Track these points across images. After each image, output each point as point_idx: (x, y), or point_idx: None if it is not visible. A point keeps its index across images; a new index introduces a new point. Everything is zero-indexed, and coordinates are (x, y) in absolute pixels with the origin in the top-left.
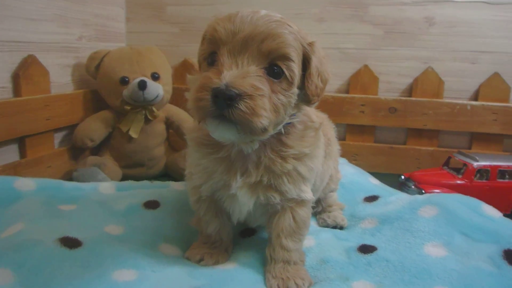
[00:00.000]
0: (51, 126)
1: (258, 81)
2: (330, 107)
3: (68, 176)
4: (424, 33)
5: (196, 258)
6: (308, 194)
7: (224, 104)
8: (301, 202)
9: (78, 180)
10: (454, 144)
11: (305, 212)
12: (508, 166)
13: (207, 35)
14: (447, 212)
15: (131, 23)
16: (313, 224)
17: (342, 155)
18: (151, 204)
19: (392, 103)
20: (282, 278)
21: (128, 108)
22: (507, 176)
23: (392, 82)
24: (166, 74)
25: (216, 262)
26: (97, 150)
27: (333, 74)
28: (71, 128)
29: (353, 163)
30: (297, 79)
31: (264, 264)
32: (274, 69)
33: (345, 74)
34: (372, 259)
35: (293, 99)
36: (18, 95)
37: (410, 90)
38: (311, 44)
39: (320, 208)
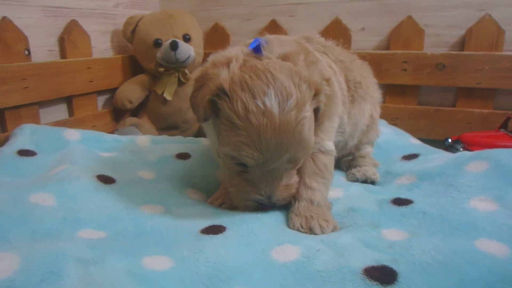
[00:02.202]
0: (94, 88)
1: (289, 178)
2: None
3: None
4: None
5: (217, 202)
6: (327, 146)
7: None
8: (322, 152)
9: None
10: None
11: (326, 158)
12: None
13: (233, 154)
14: (500, 166)
15: None
16: (342, 179)
17: (381, 117)
18: (182, 156)
19: (439, 58)
20: (306, 217)
21: (162, 70)
22: None
23: (440, 35)
24: (197, 36)
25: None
26: (136, 113)
27: (371, 30)
28: (112, 91)
29: None
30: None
31: (288, 208)
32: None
33: (384, 29)
34: (406, 210)
35: None
36: (64, 58)
37: (462, 44)
38: (319, 96)
39: (351, 157)
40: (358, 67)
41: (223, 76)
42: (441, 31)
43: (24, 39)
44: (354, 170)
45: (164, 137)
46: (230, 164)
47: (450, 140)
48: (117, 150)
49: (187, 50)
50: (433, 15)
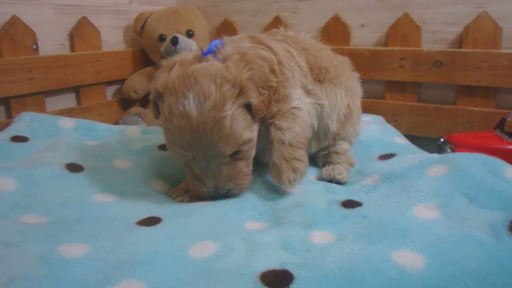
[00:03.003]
0: (102, 79)
1: (231, 168)
2: (366, 61)
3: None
4: None
5: (174, 195)
6: (294, 103)
7: (220, 196)
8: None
9: None
10: None
11: (295, 109)
12: None
13: (174, 155)
14: (458, 171)
15: None
16: (312, 177)
17: (381, 115)
18: (165, 147)
19: (436, 55)
20: (277, 165)
21: None
22: None
23: (438, 32)
24: (201, 32)
25: (194, 200)
26: (144, 103)
27: (369, 26)
28: (122, 82)
29: (393, 124)
30: (252, 132)
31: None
32: (236, 152)
33: (383, 25)
34: (350, 213)
35: (257, 132)
36: (73, 51)
37: (460, 41)
38: (245, 93)
39: (326, 152)
40: (327, 57)
41: (160, 81)
42: (439, 28)
43: (31, 34)
44: (323, 169)
45: (154, 128)
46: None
47: (442, 139)
48: (104, 139)
49: (187, 45)
50: (432, 11)
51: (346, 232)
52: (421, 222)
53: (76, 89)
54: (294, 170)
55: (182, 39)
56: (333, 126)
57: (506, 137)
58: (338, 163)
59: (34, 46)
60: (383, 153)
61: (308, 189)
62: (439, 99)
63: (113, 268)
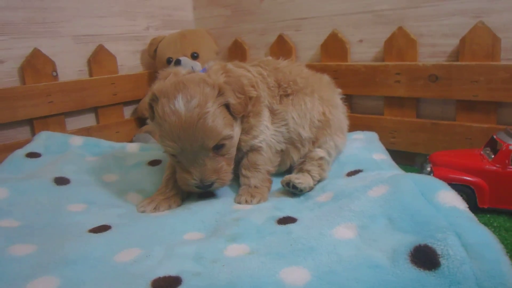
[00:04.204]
0: (118, 100)
1: (214, 163)
2: (363, 77)
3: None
4: None
5: (138, 206)
6: (255, 144)
7: (205, 188)
8: (253, 150)
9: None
10: None
11: (254, 155)
12: None
13: (166, 148)
14: (393, 192)
15: (197, 10)
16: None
17: (380, 131)
18: (154, 162)
19: (431, 69)
20: (242, 195)
21: None
22: None
23: (436, 45)
24: (207, 53)
25: (169, 207)
26: None
27: (366, 41)
28: (138, 102)
29: (391, 141)
30: (232, 130)
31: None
32: (218, 146)
33: (380, 40)
34: (279, 230)
35: (238, 134)
36: (91, 76)
37: (457, 53)
38: (223, 94)
39: (303, 159)
40: (298, 72)
41: (157, 86)
42: (437, 41)
43: (51, 63)
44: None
45: (152, 145)
46: (169, 157)
47: (428, 158)
48: (103, 155)
49: (190, 66)
50: (428, 23)
51: (261, 246)
52: (332, 241)
53: (95, 110)
54: (251, 197)
55: (185, 60)
56: (305, 132)
57: (492, 156)
58: (308, 170)
59: (54, 73)
60: (352, 169)
61: (258, 206)
62: (439, 114)
63: (41, 266)
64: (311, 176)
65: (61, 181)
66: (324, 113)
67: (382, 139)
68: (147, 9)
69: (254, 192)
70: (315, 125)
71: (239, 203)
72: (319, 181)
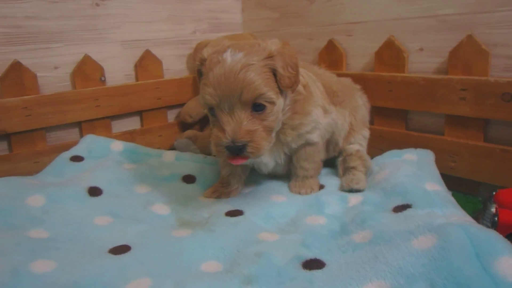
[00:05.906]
0: (162, 104)
1: (251, 124)
2: (421, 91)
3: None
4: None
5: (208, 193)
6: (310, 139)
7: (236, 151)
8: (309, 144)
9: (176, 148)
10: None
11: (311, 148)
12: None
13: (202, 101)
14: (442, 249)
15: (245, 12)
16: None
17: (438, 153)
18: (188, 178)
19: (506, 87)
20: (299, 186)
21: None
22: None
23: None
24: None
25: (227, 195)
26: (203, 126)
27: (427, 50)
28: (182, 106)
29: (451, 166)
30: (276, 97)
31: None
32: (257, 106)
33: (443, 49)
34: (300, 276)
35: (281, 108)
36: (137, 80)
37: None
38: (273, 58)
39: (342, 158)
40: (334, 81)
41: (203, 52)
42: None
43: (100, 69)
44: (343, 179)
45: (187, 155)
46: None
47: (494, 193)
48: (140, 163)
49: None
50: (504, 32)
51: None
52: None
53: (139, 113)
54: (310, 189)
55: None
56: (340, 142)
57: None
58: (354, 167)
59: (103, 78)
60: (400, 203)
61: (284, 240)
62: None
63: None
64: (359, 171)
65: (94, 191)
66: (351, 123)
67: (439, 162)
68: (194, 13)
69: (311, 184)
70: (345, 137)
71: (299, 193)
72: (368, 169)
